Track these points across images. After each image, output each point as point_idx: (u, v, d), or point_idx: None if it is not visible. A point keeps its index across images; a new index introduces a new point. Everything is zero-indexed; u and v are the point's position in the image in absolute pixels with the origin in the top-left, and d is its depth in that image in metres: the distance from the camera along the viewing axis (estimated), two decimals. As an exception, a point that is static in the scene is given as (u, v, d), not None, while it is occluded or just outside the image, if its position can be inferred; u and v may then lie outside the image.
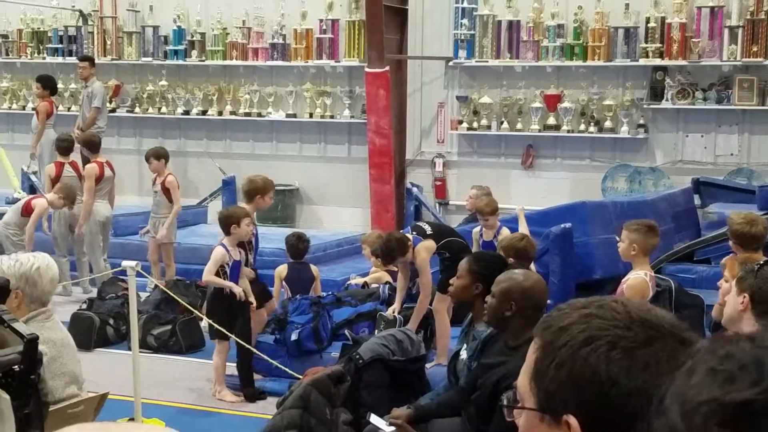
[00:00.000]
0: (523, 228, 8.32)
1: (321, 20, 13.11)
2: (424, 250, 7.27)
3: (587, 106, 12.13)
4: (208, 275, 7.24)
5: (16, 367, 3.35)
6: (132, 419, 6.21)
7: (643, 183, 12.01)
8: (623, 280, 6.11)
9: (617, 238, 6.41)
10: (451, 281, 5.30)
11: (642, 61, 11.72)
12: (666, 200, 10.34)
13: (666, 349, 1.30)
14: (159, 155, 10.51)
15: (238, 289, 7.17)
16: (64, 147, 10.99)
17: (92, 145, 10.97)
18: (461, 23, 12.48)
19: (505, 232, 7.96)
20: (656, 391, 1.21)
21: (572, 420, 1.30)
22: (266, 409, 6.86)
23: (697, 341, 1.29)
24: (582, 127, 12.15)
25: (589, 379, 1.29)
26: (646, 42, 11.72)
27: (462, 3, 12.52)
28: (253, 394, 7.33)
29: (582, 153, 12.30)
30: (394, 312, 7.56)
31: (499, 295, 4.25)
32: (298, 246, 8.86)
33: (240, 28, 13.48)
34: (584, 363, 1.30)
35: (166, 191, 10.35)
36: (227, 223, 7.39)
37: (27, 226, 9.97)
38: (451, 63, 12.66)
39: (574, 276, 8.46)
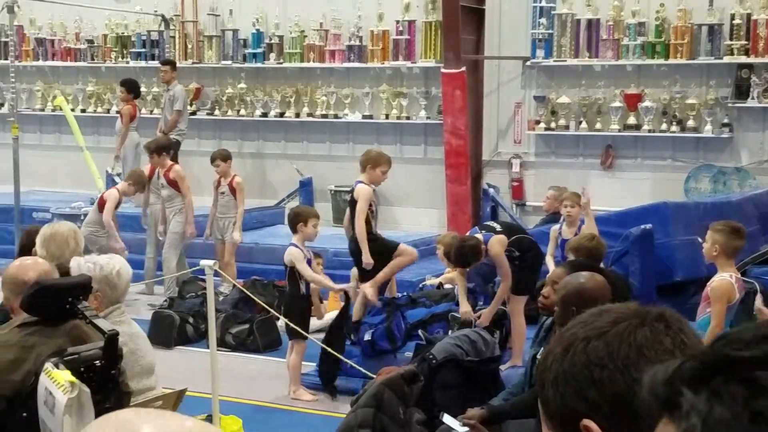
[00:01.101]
0: (590, 221, 8.15)
1: (397, 21, 13.12)
2: (498, 243, 7.25)
3: (669, 105, 11.91)
4: (307, 272, 7.41)
5: (98, 362, 3.41)
6: (210, 416, 6.29)
7: (728, 183, 11.73)
8: (708, 283, 5.99)
9: (700, 240, 6.29)
10: (544, 293, 5.03)
11: (726, 59, 11.46)
12: (752, 201, 10.09)
13: (631, 324, 1.38)
14: (225, 157, 10.67)
15: (341, 287, 7.71)
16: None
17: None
18: (539, 22, 12.36)
19: (585, 230, 7.87)
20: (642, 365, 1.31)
21: (588, 422, 1.33)
22: (340, 407, 6.90)
23: (661, 313, 1.40)
24: (663, 126, 11.93)
25: (581, 378, 1.36)
26: (731, 39, 11.45)
27: (540, 2, 12.41)
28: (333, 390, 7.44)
29: (663, 153, 12.08)
30: (468, 314, 7.51)
31: (560, 303, 4.20)
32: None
33: (317, 30, 13.57)
34: (571, 367, 1.37)
35: (233, 191, 10.50)
36: (294, 221, 7.52)
37: (104, 217, 10.17)
38: (528, 63, 12.55)
39: (655, 278, 8.33)
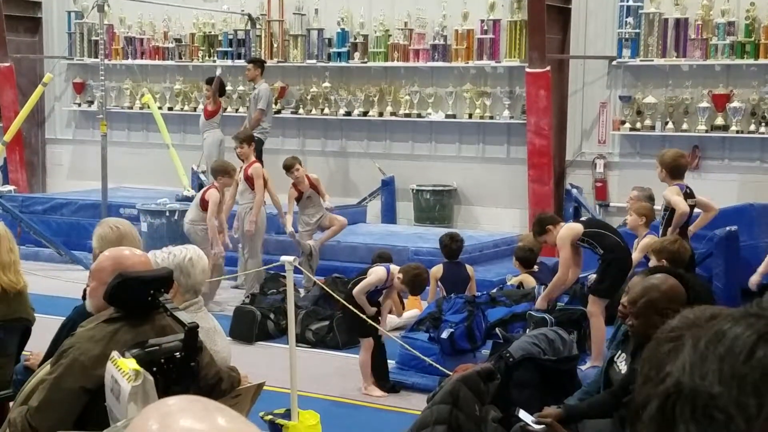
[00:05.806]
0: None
1: (482, 21, 13.08)
2: (566, 228, 7.28)
3: (758, 106, 11.65)
4: (362, 286, 7.59)
5: (177, 354, 3.47)
6: (288, 410, 6.37)
7: (818, 186, 11.43)
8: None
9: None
10: (623, 301, 4.89)
11: (818, 59, 11.17)
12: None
13: None
14: (300, 161, 10.72)
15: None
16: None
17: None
18: (626, 22, 12.20)
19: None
20: None
21: None
22: (416, 404, 6.91)
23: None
24: (752, 127, 11.68)
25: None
26: (824, 38, 11.16)
27: (627, 1, 12.24)
28: (391, 387, 7.48)
29: (751, 154, 11.81)
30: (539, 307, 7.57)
31: (644, 310, 4.02)
32: (451, 246, 8.90)
33: (402, 29, 13.60)
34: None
35: (315, 188, 10.59)
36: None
37: (207, 218, 10.25)
38: (614, 62, 12.40)
39: (740, 281, 8.16)
